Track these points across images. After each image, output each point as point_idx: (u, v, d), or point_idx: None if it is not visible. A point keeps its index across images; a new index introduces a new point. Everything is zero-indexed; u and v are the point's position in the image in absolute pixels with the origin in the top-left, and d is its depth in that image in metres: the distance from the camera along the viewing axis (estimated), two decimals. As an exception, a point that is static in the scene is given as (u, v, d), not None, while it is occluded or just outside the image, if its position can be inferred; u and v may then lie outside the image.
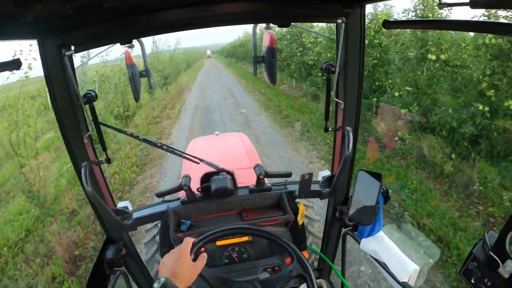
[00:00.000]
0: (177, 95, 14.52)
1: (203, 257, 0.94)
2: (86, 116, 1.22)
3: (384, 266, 1.28)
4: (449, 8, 2.36)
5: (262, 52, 1.27)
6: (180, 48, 19.17)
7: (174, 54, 16.99)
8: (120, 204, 1.52)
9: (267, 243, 1.54)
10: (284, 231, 1.55)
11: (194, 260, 0.93)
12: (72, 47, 1.05)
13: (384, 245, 1.30)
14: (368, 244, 1.34)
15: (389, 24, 1.15)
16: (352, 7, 1.13)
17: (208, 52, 70.23)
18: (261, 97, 11.77)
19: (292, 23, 1.16)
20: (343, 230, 1.58)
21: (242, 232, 1.18)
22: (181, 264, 0.87)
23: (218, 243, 1.49)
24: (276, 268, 1.41)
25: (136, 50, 1.35)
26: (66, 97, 1.15)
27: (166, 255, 0.92)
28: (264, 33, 1.27)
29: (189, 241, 0.96)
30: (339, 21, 1.13)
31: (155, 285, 0.80)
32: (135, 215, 1.49)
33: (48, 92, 1.14)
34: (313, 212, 2.41)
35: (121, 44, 1.11)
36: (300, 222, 1.52)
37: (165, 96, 13.18)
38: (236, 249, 1.53)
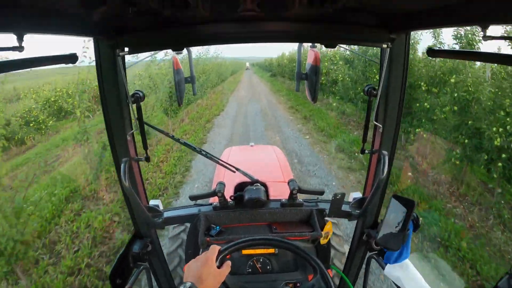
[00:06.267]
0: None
1: (228, 265, 0.96)
2: (132, 114, 1.27)
3: None
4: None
5: (305, 69, 1.29)
6: (204, 57, 13.24)
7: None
8: (152, 202, 1.57)
9: (292, 257, 1.54)
10: (310, 248, 1.55)
11: (219, 267, 0.94)
12: (126, 49, 1.10)
13: (409, 274, 1.27)
14: (393, 271, 1.31)
15: (433, 52, 1.15)
16: (398, 33, 1.14)
17: (247, 64, 67.66)
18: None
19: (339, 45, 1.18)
20: (368, 253, 1.56)
21: (267, 243, 1.19)
22: (207, 270, 0.89)
23: (244, 252, 1.51)
24: (298, 284, 1.41)
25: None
26: (115, 95, 1.21)
27: (192, 260, 0.94)
28: (309, 51, 1.31)
29: (215, 248, 0.98)
30: (384, 46, 1.14)
31: None
32: (166, 214, 1.54)
33: (98, 89, 1.20)
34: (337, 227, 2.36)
35: (173, 50, 1.16)
36: (323, 242, 1.51)
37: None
38: (261, 260, 1.54)
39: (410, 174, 5.22)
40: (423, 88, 5.39)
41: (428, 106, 5.11)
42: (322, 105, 11.85)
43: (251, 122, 10.14)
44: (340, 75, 9.59)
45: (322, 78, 10.53)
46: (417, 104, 5.48)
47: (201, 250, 1.50)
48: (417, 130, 5.52)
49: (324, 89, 11.03)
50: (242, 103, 14.61)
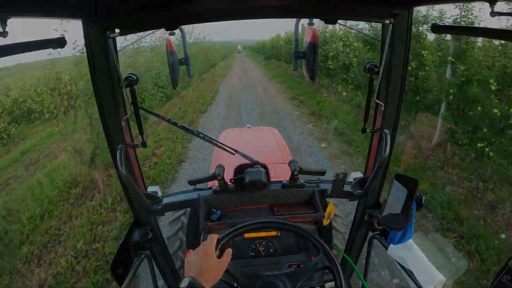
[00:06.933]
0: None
1: (228, 253, 0.93)
2: (126, 99, 1.23)
3: (410, 274, 1.27)
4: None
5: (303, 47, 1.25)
6: (188, 40, 10.26)
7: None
8: (150, 189, 1.54)
9: (294, 239, 1.53)
10: (313, 229, 1.54)
11: (219, 256, 0.91)
12: (117, 30, 1.06)
13: (412, 253, 1.28)
14: (396, 251, 1.32)
15: (437, 28, 1.12)
16: (401, 9, 1.11)
17: (239, 47, 63.25)
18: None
19: (339, 21, 1.14)
20: (370, 233, 1.56)
21: (265, 226, 1.16)
22: (207, 262, 0.86)
23: (246, 235, 1.49)
24: (302, 265, 1.41)
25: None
26: (107, 79, 1.16)
27: (192, 253, 0.90)
28: (306, 28, 1.26)
29: (213, 238, 0.94)
30: (387, 21, 1.11)
31: (182, 285, 0.78)
32: (165, 200, 1.51)
33: (90, 73, 1.15)
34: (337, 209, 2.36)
35: (166, 30, 1.12)
36: (325, 223, 1.50)
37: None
38: (264, 243, 1.53)
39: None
40: (493, 87, 3.87)
41: (498, 113, 3.72)
42: (330, 93, 9.84)
43: (246, 122, 7.07)
44: (354, 59, 7.91)
45: (329, 63, 9.86)
46: (478, 108, 4.02)
47: (202, 235, 1.49)
48: (478, 144, 3.98)
49: (333, 75, 9.99)
50: (234, 93, 11.89)
